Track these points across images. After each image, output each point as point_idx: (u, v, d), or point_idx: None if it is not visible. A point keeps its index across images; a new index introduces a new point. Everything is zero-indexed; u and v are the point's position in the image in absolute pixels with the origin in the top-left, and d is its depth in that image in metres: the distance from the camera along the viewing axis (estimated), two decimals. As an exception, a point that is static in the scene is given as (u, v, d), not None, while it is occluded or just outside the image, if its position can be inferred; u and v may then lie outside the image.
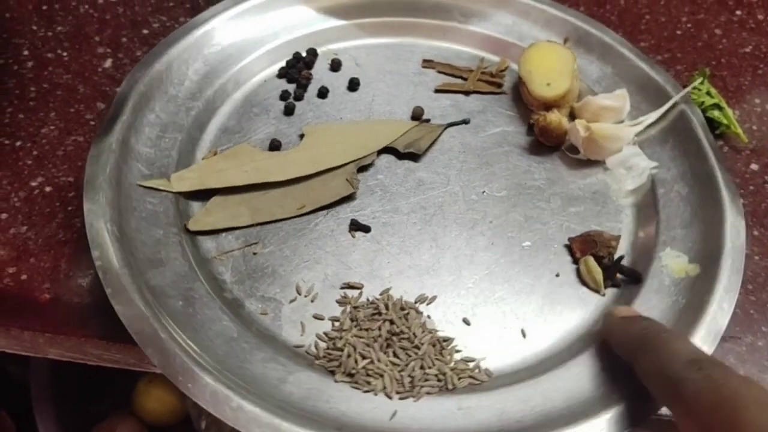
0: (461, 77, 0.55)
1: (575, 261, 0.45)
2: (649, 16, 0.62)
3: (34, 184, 0.47)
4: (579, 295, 0.44)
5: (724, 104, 0.53)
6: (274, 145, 0.49)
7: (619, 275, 0.44)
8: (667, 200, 0.47)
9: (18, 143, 0.49)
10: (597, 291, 0.44)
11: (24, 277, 0.43)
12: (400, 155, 0.49)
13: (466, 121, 0.52)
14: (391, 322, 0.41)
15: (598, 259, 0.44)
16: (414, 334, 0.40)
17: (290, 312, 0.42)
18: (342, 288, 0.43)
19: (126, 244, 0.41)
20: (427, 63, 0.55)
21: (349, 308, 0.42)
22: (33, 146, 0.48)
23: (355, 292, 0.43)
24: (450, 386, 0.39)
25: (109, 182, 0.42)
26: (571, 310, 0.43)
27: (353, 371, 0.39)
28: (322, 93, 0.53)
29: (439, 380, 0.39)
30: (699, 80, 0.53)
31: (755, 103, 0.56)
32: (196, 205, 0.46)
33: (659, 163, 0.49)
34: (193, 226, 0.44)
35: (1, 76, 0.52)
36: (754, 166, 0.52)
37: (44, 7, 0.57)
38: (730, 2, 0.64)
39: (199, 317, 0.40)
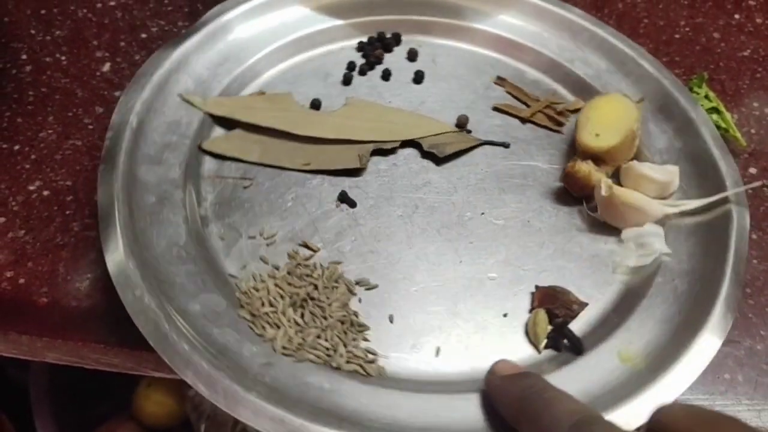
0: (525, 103, 0.53)
1: (530, 309, 0.43)
2: (648, 19, 0.62)
3: (32, 188, 0.47)
4: (515, 342, 0.41)
5: (722, 108, 0.53)
6: (314, 104, 0.51)
7: (564, 340, 0.41)
8: (659, 290, 0.43)
9: (16, 147, 0.49)
10: (535, 346, 0.41)
11: (22, 281, 0.43)
12: (423, 153, 0.49)
13: (505, 145, 0.51)
14: (315, 287, 0.42)
15: (552, 316, 0.42)
16: (330, 305, 0.41)
17: (243, 246, 0.44)
18: (299, 245, 0.44)
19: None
20: (500, 81, 0.54)
21: (292, 263, 0.43)
22: (31, 150, 0.48)
23: (308, 253, 0.44)
24: (334, 364, 0.39)
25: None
26: (499, 351, 0.41)
27: (255, 312, 0.40)
28: (385, 75, 0.54)
29: (327, 354, 0.39)
30: (703, 92, 0.54)
31: (753, 106, 0.56)
32: (218, 131, 0.49)
33: (674, 252, 0.44)
34: (207, 146, 0.48)
35: (0, 81, 0.52)
36: (752, 170, 0.52)
37: (43, 12, 0.57)
38: (728, 6, 0.64)
39: (161, 216, 0.43)
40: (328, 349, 0.40)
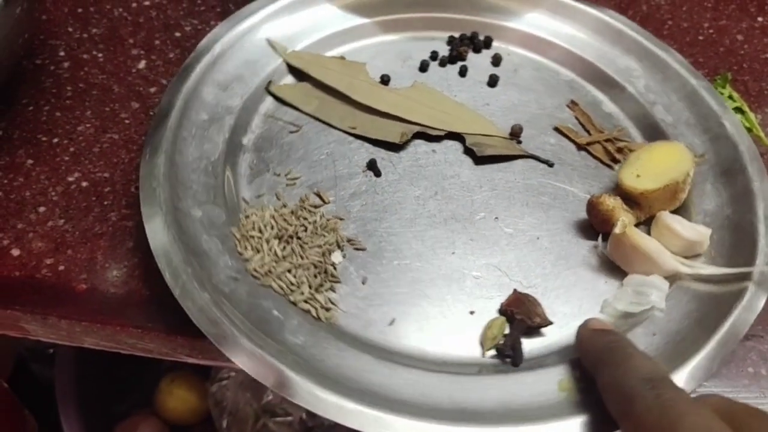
0: (589, 132, 0.52)
1: (499, 311, 0.43)
2: (672, 21, 0.62)
3: (71, 179, 0.48)
4: (467, 338, 0.42)
5: (746, 108, 0.53)
6: (383, 79, 0.54)
7: (514, 347, 0.41)
8: (634, 339, 0.40)
9: (55, 140, 0.50)
10: (482, 346, 0.41)
11: (61, 268, 0.44)
12: (465, 149, 0.51)
13: (549, 163, 0.50)
14: (306, 228, 0.45)
15: (511, 320, 0.42)
16: (311, 248, 0.44)
17: (266, 179, 0.48)
18: (314, 193, 0.47)
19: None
20: (572, 104, 0.54)
21: (299, 204, 0.46)
22: (70, 143, 0.50)
23: (318, 201, 0.47)
24: (292, 299, 0.42)
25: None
26: (448, 342, 0.41)
27: (244, 233, 0.44)
28: (462, 72, 0.56)
29: (290, 289, 0.42)
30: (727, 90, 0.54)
31: (777, 107, 0.56)
32: (288, 79, 0.54)
33: (668, 311, 0.42)
34: (274, 88, 0.52)
35: (39, 76, 0.54)
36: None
37: (80, 10, 0.59)
38: (751, 9, 0.64)
39: (206, 132, 0.48)
40: (292, 284, 0.42)
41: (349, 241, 0.45)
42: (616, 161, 0.51)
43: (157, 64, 0.55)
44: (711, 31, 0.62)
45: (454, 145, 0.51)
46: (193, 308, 0.38)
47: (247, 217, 0.45)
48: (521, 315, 0.42)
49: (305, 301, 0.42)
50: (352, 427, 0.36)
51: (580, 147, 0.51)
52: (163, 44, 0.57)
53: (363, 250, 0.45)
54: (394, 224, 0.47)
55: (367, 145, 0.51)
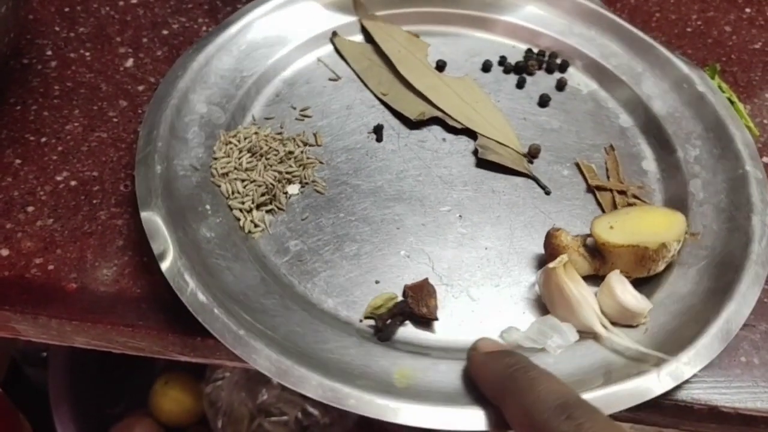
0: (608, 177, 0.50)
1: (404, 294, 0.43)
2: (659, 13, 0.63)
3: (59, 178, 0.48)
4: (357, 302, 0.43)
5: (735, 98, 0.54)
6: (438, 64, 0.55)
7: (385, 322, 0.42)
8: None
9: (43, 139, 0.50)
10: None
11: (51, 267, 0.44)
12: (475, 148, 0.51)
13: (546, 191, 0.49)
14: (278, 153, 0.48)
15: (403, 303, 0.42)
16: (274, 170, 0.47)
17: (281, 108, 0.52)
18: (313, 133, 0.51)
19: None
20: (609, 149, 0.51)
21: (290, 135, 0.50)
22: (58, 142, 0.50)
23: (311, 141, 0.50)
24: (229, 202, 0.46)
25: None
26: (336, 299, 0.43)
27: (227, 138, 0.48)
28: (519, 84, 0.55)
29: (234, 195, 0.46)
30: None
31: (766, 97, 0.57)
32: (356, 37, 0.57)
33: (563, 359, 0.40)
34: (337, 40, 0.56)
35: (26, 75, 0.53)
36: (765, 159, 0.52)
37: (66, 9, 0.58)
38: (739, 0, 0.65)
39: (252, 55, 0.53)
40: (238, 192, 0.46)
41: (313, 181, 0.48)
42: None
43: (145, 62, 0.55)
44: (699, 22, 0.62)
45: (467, 142, 0.51)
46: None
47: (239, 127, 0.50)
48: (412, 299, 0.42)
49: (240, 210, 0.45)
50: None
51: (589, 188, 0.49)
52: (150, 42, 0.57)
53: (321, 194, 0.48)
54: (363, 185, 0.48)
55: (387, 114, 0.52)
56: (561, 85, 0.55)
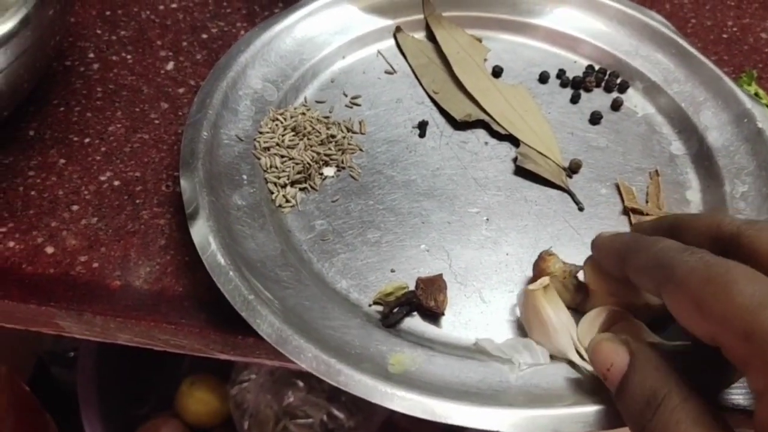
0: (650, 203, 0.49)
1: (416, 285, 0.43)
2: (695, 20, 0.63)
3: (103, 178, 0.49)
4: (369, 286, 0.44)
5: (772, 105, 0.53)
6: (494, 70, 0.56)
7: (392, 309, 0.42)
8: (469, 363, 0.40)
9: (87, 140, 0.51)
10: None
11: (95, 265, 0.44)
12: (515, 157, 0.51)
13: (580, 206, 0.48)
14: (320, 135, 0.50)
15: (412, 294, 0.42)
16: (314, 150, 0.49)
17: (334, 94, 0.54)
18: (359, 121, 0.52)
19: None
20: (654, 174, 0.50)
21: (339, 121, 0.52)
22: (101, 143, 0.51)
23: (356, 128, 0.52)
24: (266, 175, 0.48)
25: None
26: (351, 280, 0.44)
27: (276, 115, 0.50)
28: (574, 99, 0.54)
29: (272, 168, 0.48)
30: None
31: (803, 104, 0.56)
32: (417, 34, 0.58)
33: (529, 377, 0.39)
34: (400, 36, 0.57)
35: (69, 77, 0.54)
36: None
37: (107, 13, 0.60)
38: (774, 7, 0.64)
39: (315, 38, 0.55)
40: (275, 167, 0.48)
41: (350, 167, 0.49)
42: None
43: (185, 65, 0.56)
44: (735, 29, 0.62)
45: (509, 149, 0.51)
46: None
47: (288, 106, 0.52)
48: (422, 292, 0.42)
49: (274, 184, 0.47)
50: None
51: (625, 210, 0.48)
52: (190, 46, 0.57)
53: (355, 180, 0.49)
54: (397, 177, 0.49)
55: (435, 112, 0.53)
56: (616, 105, 0.54)
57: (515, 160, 0.50)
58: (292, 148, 0.49)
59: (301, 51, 0.54)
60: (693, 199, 0.50)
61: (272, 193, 0.47)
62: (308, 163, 0.48)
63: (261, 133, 0.49)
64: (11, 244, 0.45)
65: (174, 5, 0.61)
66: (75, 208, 0.47)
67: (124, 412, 0.93)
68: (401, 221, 0.47)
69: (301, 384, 0.87)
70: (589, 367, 0.38)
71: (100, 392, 0.89)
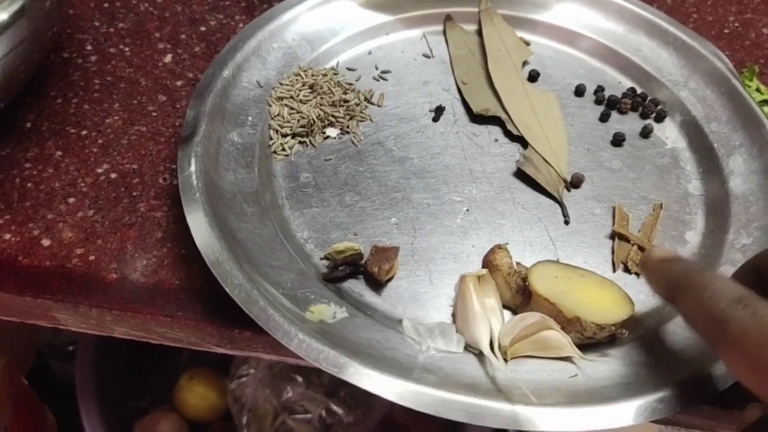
0: (641, 232, 0.47)
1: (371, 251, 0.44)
2: (696, 15, 0.62)
3: (99, 170, 0.48)
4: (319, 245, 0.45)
5: (774, 100, 0.53)
6: (531, 74, 0.56)
7: (337, 266, 0.43)
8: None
9: (84, 132, 0.50)
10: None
11: (92, 257, 0.44)
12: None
13: (566, 219, 0.47)
14: (333, 96, 0.51)
15: (360, 257, 0.43)
16: (322, 109, 0.51)
17: (367, 66, 0.55)
18: (380, 93, 0.53)
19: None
20: (657, 207, 0.48)
21: (361, 91, 0.53)
22: (98, 135, 0.50)
23: (375, 99, 0.53)
24: (270, 122, 0.50)
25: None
26: (315, 233, 0.46)
27: (299, 71, 0.53)
28: (602, 117, 0.53)
29: (278, 117, 0.50)
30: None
31: (805, 100, 0.56)
32: (468, 27, 0.58)
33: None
34: (447, 24, 0.58)
35: (67, 69, 0.54)
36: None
37: (105, 5, 0.59)
38: (777, 2, 0.64)
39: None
40: (282, 116, 0.50)
41: (353, 133, 0.51)
42: (626, 269, 0.45)
43: (183, 57, 0.56)
44: (736, 24, 0.62)
45: (516, 150, 0.51)
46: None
47: (318, 66, 0.54)
48: (371, 257, 0.43)
49: (276, 131, 0.50)
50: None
51: (612, 234, 0.47)
52: (188, 38, 0.57)
53: (354, 146, 0.50)
54: (396, 152, 0.50)
55: (456, 101, 0.53)
56: (645, 132, 0.52)
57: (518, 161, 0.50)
58: (304, 103, 0.50)
59: (346, 20, 0.55)
60: (691, 241, 0.47)
61: (271, 139, 0.49)
62: (313, 120, 0.50)
63: (281, 83, 0.52)
64: (7, 236, 0.45)
65: (172, -3, 0.60)
66: (71, 200, 0.47)
67: (123, 405, 0.92)
68: (383, 192, 0.48)
69: (300, 379, 0.87)
70: (495, 362, 0.38)
71: (98, 385, 0.89)
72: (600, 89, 0.54)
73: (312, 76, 0.52)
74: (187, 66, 0.55)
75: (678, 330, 0.41)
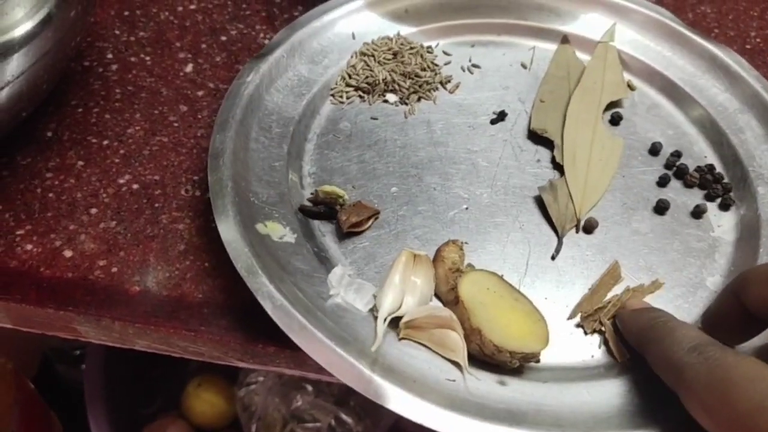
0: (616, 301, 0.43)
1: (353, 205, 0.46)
2: (718, 29, 0.62)
3: (121, 181, 0.48)
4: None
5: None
6: (613, 117, 0.53)
7: (316, 203, 0.46)
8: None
9: (105, 142, 0.50)
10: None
11: (114, 269, 0.44)
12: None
13: (553, 256, 0.45)
14: (410, 66, 0.54)
15: (335, 201, 0.45)
16: (393, 77, 0.53)
17: (459, 55, 0.57)
18: (457, 83, 0.55)
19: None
20: (656, 283, 0.44)
21: (442, 75, 0.55)
22: (120, 145, 0.50)
23: (450, 89, 0.55)
24: (341, 76, 0.53)
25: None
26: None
27: (397, 37, 0.56)
28: (661, 182, 0.50)
29: (351, 71, 0.53)
30: None
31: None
32: (575, 52, 0.57)
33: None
34: (561, 45, 0.57)
35: (87, 78, 0.54)
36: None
37: (126, 14, 0.59)
38: (797, 18, 0.64)
39: None
40: (358, 75, 0.53)
41: (410, 106, 0.53)
42: (589, 330, 0.42)
43: (204, 67, 0.55)
44: (758, 39, 0.62)
45: (551, 176, 0.50)
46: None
47: (415, 39, 0.56)
48: (348, 206, 0.45)
49: (343, 78, 0.53)
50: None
51: (593, 291, 0.44)
52: (209, 48, 0.57)
53: (404, 117, 0.52)
54: (437, 136, 0.51)
55: (524, 113, 0.53)
56: (697, 212, 0.48)
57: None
58: (381, 65, 0.53)
59: (463, 6, 0.57)
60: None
61: (336, 84, 0.53)
62: (379, 81, 0.52)
63: (373, 42, 0.55)
64: (29, 246, 0.44)
65: (193, 6, 0.60)
66: (93, 211, 0.46)
67: (131, 411, 0.92)
68: (401, 163, 0.49)
69: (309, 388, 0.86)
70: (378, 333, 0.39)
71: (106, 390, 0.89)
72: (676, 154, 0.51)
73: (400, 44, 0.55)
74: (208, 76, 0.55)
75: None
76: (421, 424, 0.35)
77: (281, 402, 0.87)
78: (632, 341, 0.39)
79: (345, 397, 0.86)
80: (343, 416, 0.86)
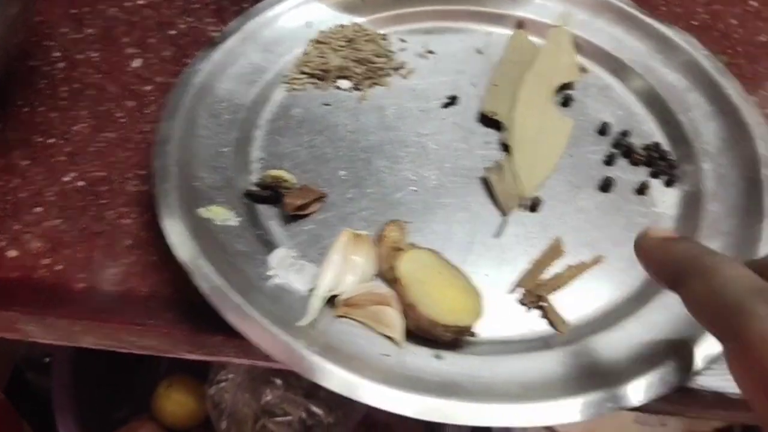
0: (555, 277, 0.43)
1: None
2: (665, 7, 0.63)
3: (66, 179, 0.48)
4: None
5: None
6: (565, 98, 0.54)
7: (263, 187, 0.46)
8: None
9: (51, 140, 0.50)
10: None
11: (59, 267, 0.43)
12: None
13: (497, 234, 0.45)
14: (362, 55, 0.54)
15: (281, 184, 0.46)
16: (347, 63, 0.53)
17: (414, 42, 0.57)
18: (411, 69, 0.55)
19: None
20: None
21: (397, 60, 0.55)
22: (65, 143, 0.50)
23: (404, 74, 0.55)
24: (299, 65, 0.53)
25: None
26: None
27: (351, 24, 0.56)
28: (607, 160, 0.50)
29: (306, 59, 0.53)
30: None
31: (773, 90, 0.57)
32: (530, 39, 0.58)
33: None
34: (516, 31, 0.58)
35: (33, 77, 0.53)
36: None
37: (73, 11, 0.58)
38: (745, -7, 0.65)
39: None
40: (312, 60, 0.53)
41: (363, 92, 0.53)
42: (530, 304, 0.42)
43: (152, 62, 0.55)
44: (705, 15, 0.62)
45: (501, 158, 0.50)
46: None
47: (371, 27, 0.56)
48: (294, 189, 0.45)
49: (297, 66, 0.53)
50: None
51: (533, 264, 0.44)
52: (158, 42, 0.57)
53: (358, 102, 0.52)
54: (388, 120, 0.51)
55: (476, 98, 0.53)
56: (641, 189, 0.48)
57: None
58: (335, 51, 0.53)
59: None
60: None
61: (290, 71, 0.53)
62: (334, 68, 0.53)
63: (329, 30, 0.55)
64: (-27, 248, 0.44)
65: (141, 1, 0.60)
66: (38, 210, 0.46)
67: (101, 415, 0.91)
68: (351, 148, 0.49)
69: (278, 382, 0.86)
70: (311, 310, 0.39)
71: (75, 397, 0.88)
72: (625, 134, 0.51)
73: (355, 32, 0.55)
74: (156, 70, 0.54)
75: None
76: (356, 399, 0.35)
77: (251, 397, 0.87)
78: (662, 275, 0.33)
79: (314, 389, 0.86)
80: (314, 408, 0.86)
